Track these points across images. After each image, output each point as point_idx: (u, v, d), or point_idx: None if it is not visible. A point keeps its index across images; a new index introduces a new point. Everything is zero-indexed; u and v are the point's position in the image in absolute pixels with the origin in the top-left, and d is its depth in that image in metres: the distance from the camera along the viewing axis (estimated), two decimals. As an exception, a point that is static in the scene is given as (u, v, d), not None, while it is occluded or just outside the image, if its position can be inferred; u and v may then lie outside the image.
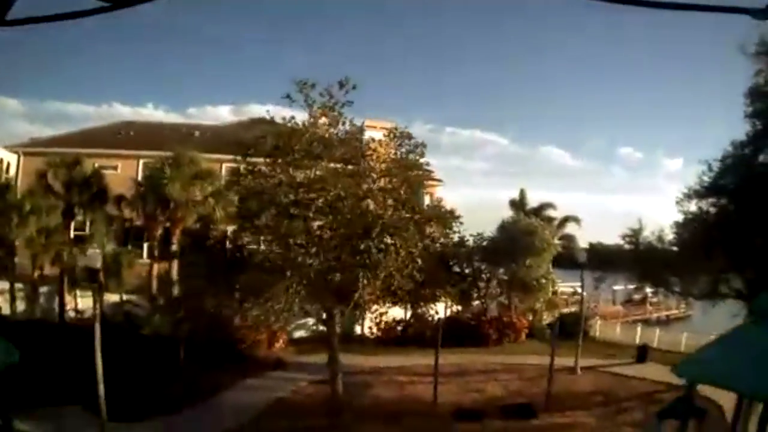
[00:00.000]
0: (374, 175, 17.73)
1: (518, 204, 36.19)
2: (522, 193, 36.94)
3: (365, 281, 16.79)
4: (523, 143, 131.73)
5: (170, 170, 26.55)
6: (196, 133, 36.93)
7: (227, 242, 20.69)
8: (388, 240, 16.65)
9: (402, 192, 17.75)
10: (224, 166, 30.68)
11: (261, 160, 18.33)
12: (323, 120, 17.51)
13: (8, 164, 35.66)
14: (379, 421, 17.43)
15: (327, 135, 17.58)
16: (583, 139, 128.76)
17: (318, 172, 17.35)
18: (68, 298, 26.25)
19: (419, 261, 17.67)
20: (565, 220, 37.20)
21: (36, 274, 26.70)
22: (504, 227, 29.80)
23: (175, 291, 26.52)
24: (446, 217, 18.95)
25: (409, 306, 20.77)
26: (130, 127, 40.18)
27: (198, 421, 17.54)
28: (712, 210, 19.98)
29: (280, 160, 17.47)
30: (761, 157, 18.84)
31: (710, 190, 19.65)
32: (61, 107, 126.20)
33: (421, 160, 18.44)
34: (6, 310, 25.97)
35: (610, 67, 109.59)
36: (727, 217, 18.97)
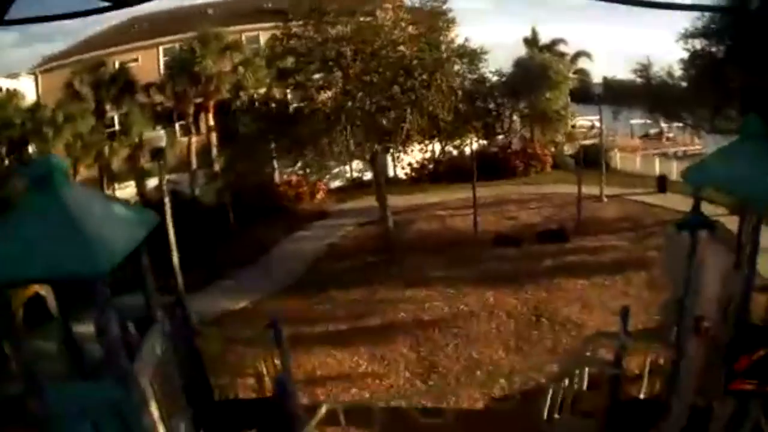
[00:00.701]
0: (403, 24, 18.71)
1: (531, 41, 36.42)
2: (534, 30, 37.15)
3: (412, 117, 18.16)
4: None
5: (199, 48, 27.62)
6: (210, 11, 36.94)
7: (271, 102, 21.47)
8: (429, 77, 18.01)
9: (432, 36, 18.89)
10: (244, 36, 31.60)
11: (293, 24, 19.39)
12: None
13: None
14: (428, 252, 18.90)
15: None
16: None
17: (353, 27, 18.41)
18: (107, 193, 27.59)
19: (459, 93, 19.27)
20: (577, 55, 37.74)
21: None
22: (520, 63, 30.32)
23: (216, 162, 28.14)
24: (475, 55, 20.05)
25: (444, 142, 21.80)
26: (143, 20, 39.23)
27: (262, 271, 19.16)
28: (713, 49, 20.07)
29: (312, 22, 18.42)
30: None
31: (703, 34, 19.71)
32: (55, 24, 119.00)
33: (444, 7, 19.34)
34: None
35: None
36: (722, 56, 19.20)
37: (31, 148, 29.29)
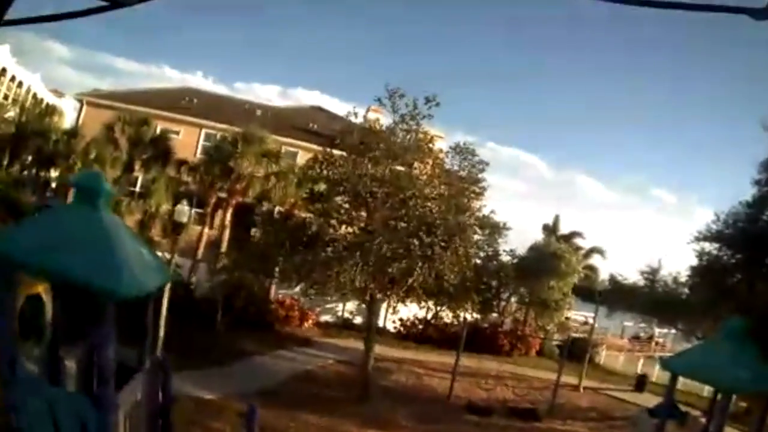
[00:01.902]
0: (436, 181, 19.69)
1: (551, 228, 37.86)
2: (556, 218, 38.68)
3: (421, 272, 18.61)
4: (560, 170, 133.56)
5: (242, 145, 28.11)
6: (258, 112, 38.09)
7: (294, 219, 22.38)
8: (449, 239, 18.70)
9: (461, 199, 19.72)
10: (283, 148, 32.33)
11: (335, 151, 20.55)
12: (403, 126, 19.55)
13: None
14: (400, 402, 19.26)
15: (405, 141, 19.64)
16: (620, 173, 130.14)
17: (391, 171, 19.32)
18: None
19: (473, 261, 20.01)
20: (591, 250, 39.03)
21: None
22: (535, 248, 31.52)
23: (222, 258, 28.03)
24: (497, 228, 21.11)
25: (441, 306, 22.49)
26: (195, 95, 40.99)
27: (234, 377, 19.16)
28: (724, 256, 21.14)
29: (354, 156, 19.48)
30: (765, 216, 20.06)
31: (716, 238, 20.88)
32: (110, 60, 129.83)
33: (480, 176, 20.24)
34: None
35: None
36: (731, 265, 20.26)
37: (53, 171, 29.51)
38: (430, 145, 20.13)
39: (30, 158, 30.08)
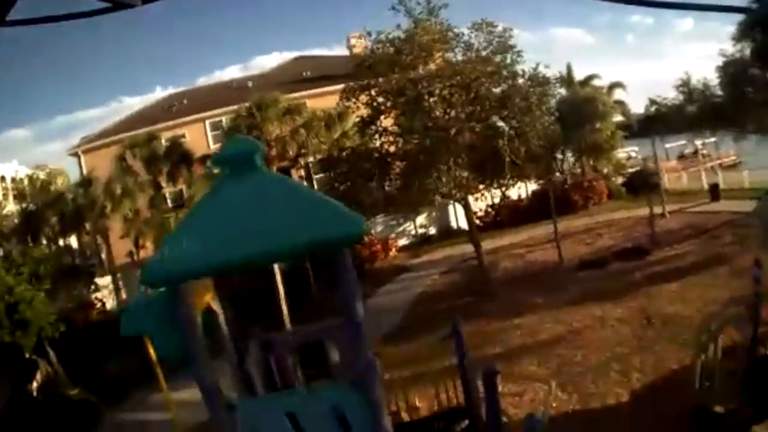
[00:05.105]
0: (476, 61, 19.40)
1: (567, 79, 37.85)
2: (569, 67, 38.15)
3: (517, 145, 18.78)
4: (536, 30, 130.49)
5: (259, 113, 27.72)
6: (249, 84, 37.80)
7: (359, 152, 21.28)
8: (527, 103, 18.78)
9: (509, 68, 19.59)
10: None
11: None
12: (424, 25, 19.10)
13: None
14: (521, 284, 19.68)
15: (435, 36, 19.26)
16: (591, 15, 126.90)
17: (432, 68, 19.15)
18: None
19: (551, 118, 20.38)
20: (612, 86, 38.86)
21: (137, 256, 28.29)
22: (565, 100, 31.19)
23: None
24: (548, 83, 20.56)
25: (510, 183, 22.42)
26: (180, 97, 41.01)
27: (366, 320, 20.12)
28: (748, 48, 21.15)
29: (396, 66, 19.14)
30: None
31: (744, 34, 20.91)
32: (70, 119, 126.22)
33: (510, 42, 19.76)
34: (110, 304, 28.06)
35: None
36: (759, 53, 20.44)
37: (87, 225, 29.30)
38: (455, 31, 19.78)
39: (47, 229, 29.89)
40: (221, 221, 4.52)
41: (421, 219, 31.76)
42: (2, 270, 16.10)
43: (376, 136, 20.40)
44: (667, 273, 17.76)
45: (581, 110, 29.81)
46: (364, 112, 20.40)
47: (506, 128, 18.06)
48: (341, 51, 42.69)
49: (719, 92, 22.46)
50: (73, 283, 25.15)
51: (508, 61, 19.51)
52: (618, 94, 38.57)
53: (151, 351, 6.00)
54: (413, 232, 32.18)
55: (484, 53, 19.47)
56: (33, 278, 16.50)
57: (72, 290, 24.09)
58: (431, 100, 19.16)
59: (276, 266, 15.64)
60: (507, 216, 30.55)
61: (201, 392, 4.58)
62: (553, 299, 17.40)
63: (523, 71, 19.70)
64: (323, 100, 30.12)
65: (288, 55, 40.69)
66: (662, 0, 2.95)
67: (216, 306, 5.49)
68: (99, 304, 26.82)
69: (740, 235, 19.47)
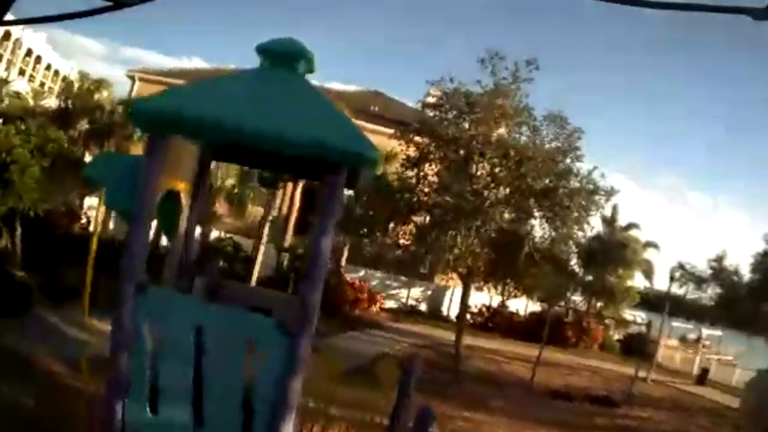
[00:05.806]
0: (537, 142, 19.03)
1: (610, 220, 38.19)
2: (614, 208, 38.62)
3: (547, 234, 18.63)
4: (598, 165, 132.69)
5: None
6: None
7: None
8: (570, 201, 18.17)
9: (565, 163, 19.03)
10: None
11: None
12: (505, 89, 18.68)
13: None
14: (487, 385, 19.41)
15: (512, 105, 18.87)
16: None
17: (495, 134, 18.72)
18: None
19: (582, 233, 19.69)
20: (646, 244, 38.36)
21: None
22: (599, 237, 31.20)
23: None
24: (603, 194, 19.51)
25: (516, 290, 22.36)
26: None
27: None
28: None
29: (457, 119, 18.80)
30: None
31: None
32: (140, 53, 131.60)
33: (576, 144, 19.09)
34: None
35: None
36: None
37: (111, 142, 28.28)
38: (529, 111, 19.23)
39: (78, 133, 28.84)
40: (233, 91, 4.31)
41: (416, 292, 31.75)
42: (12, 130, 15.48)
43: (414, 180, 19.68)
44: (632, 428, 17.79)
45: (612, 251, 29.95)
46: (412, 152, 19.68)
47: (540, 217, 17.94)
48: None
49: (747, 276, 22.38)
50: (71, 179, 23.70)
51: (568, 159, 19.10)
52: (649, 253, 38.62)
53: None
54: (404, 300, 31.83)
55: (547, 145, 19.05)
56: (37, 150, 15.50)
57: (67, 187, 21.95)
58: (479, 164, 18.93)
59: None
60: (499, 324, 30.27)
61: (122, 256, 4.17)
62: (510, 409, 17.10)
63: (578, 170, 19.14)
64: (377, 137, 30.28)
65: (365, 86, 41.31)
66: (662, 0, 2.80)
67: (185, 202, 5.12)
68: (84, 220, 26.12)
69: (715, 421, 19.56)
